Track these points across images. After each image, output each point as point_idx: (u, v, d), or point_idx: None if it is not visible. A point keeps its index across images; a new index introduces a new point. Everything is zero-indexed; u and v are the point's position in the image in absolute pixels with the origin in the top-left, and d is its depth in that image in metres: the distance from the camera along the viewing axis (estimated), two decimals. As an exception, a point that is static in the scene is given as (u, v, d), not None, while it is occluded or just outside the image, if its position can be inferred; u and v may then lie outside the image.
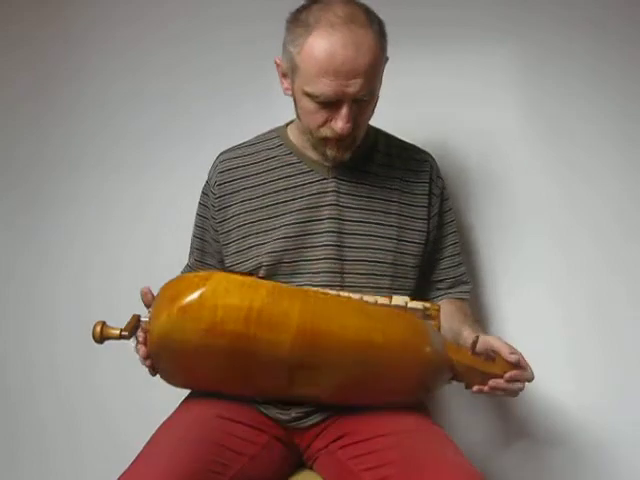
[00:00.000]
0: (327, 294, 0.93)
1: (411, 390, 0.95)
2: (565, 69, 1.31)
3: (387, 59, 1.01)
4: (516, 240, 1.33)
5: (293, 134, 1.11)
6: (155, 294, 0.93)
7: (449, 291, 1.16)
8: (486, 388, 0.93)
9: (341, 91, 0.93)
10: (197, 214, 1.17)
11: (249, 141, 1.15)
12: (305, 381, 0.92)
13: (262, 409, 1.01)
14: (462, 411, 1.35)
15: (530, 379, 0.93)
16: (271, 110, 1.29)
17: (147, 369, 0.97)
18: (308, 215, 1.04)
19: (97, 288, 1.46)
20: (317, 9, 0.95)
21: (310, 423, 1.00)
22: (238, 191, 1.09)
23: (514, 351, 0.92)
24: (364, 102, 0.97)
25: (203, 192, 1.16)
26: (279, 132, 1.13)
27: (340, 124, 0.96)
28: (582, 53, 1.31)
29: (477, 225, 1.35)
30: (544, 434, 1.32)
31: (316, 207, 1.05)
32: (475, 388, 0.94)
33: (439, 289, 1.16)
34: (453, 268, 1.16)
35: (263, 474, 0.96)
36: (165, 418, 0.99)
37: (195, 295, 0.86)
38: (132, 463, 0.87)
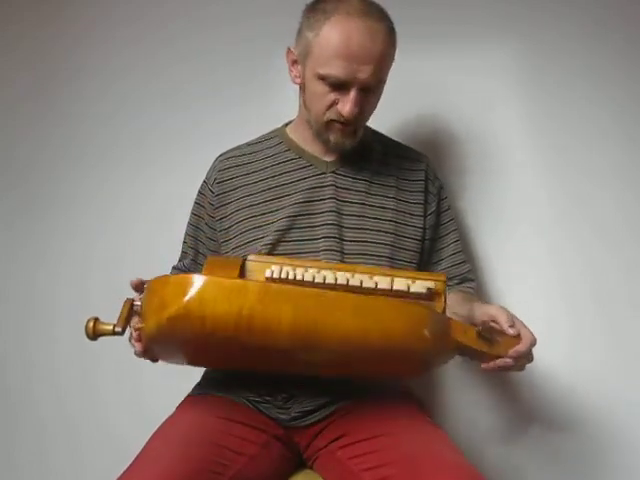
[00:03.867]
0: (323, 291, 0.87)
1: (414, 370, 0.95)
2: (566, 68, 1.31)
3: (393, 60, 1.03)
4: (518, 239, 1.33)
5: (292, 132, 1.14)
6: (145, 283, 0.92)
7: (454, 288, 1.15)
8: (492, 364, 0.91)
9: (352, 75, 0.97)
10: (192, 213, 1.19)
11: (248, 142, 1.17)
12: (302, 365, 0.91)
13: (262, 409, 1.01)
14: (462, 409, 1.35)
15: (533, 344, 0.90)
16: (270, 109, 1.29)
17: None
18: (306, 208, 1.06)
19: (96, 288, 1.45)
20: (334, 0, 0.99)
21: (310, 422, 1.00)
22: (238, 188, 1.11)
23: (512, 323, 0.91)
24: (370, 91, 1.01)
25: (200, 192, 1.18)
26: (278, 132, 1.16)
27: (347, 107, 0.99)
28: (583, 52, 1.31)
29: (477, 225, 1.34)
30: (548, 426, 1.32)
31: (314, 201, 1.07)
32: (483, 366, 0.92)
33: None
34: (456, 266, 1.16)
35: (263, 474, 0.95)
36: (165, 418, 0.99)
37: (182, 305, 0.82)
38: (131, 463, 0.87)
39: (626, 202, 1.30)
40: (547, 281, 1.32)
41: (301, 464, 1.04)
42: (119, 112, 1.48)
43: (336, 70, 0.97)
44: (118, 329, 0.90)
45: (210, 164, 1.17)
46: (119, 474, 0.84)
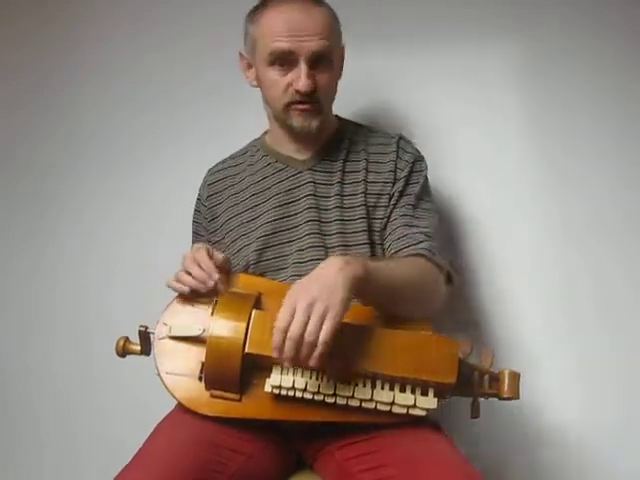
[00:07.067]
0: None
1: None
2: (566, 67, 1.31)
3: (343, 47, 1.09)
4: (520, 240, 1.33)
5: (268, 138, 1.17)
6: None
7: (403, 250, 1.03)
8: None
9: (297, 45, 0.99)
10: (192, 231, 1.23)
11: (234, 154, 1.21)
12: None
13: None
14: (462, 409, 1.34)
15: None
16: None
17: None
18: (285, 210, 1.08)
19: (95, 287, 1.46)
20: None
21: (309, 422, 1.00)
22: (225, 199, 1.15)
23: None
24: (322, 64, 1.02)
25: (195, 209, 1.22)
26: (257, 141, 1.20)
27: (301, 81, 1.00)
28: (583, 51, 1.31)
29: (477, 224, 1.34)
30: (551, 426, 1.32)
31: (294, 201, 1.09)
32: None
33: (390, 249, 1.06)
34: (406, 227, 1.05)
35: (262, 473, 0.95)
36: (163, 417, 0.98)
37: None
38: (129, 463, 0.86)
39: (626, 198, 1.29)
40: (548, 282, 1.31)
41: (301, 464, 1.04)
42: (118, 111, 1.49)
43: (280, 43, 1.00)
44: (144, 352, 0.97)
45: (208, 164, 1.20)
46: (116, 474, 0.84)
